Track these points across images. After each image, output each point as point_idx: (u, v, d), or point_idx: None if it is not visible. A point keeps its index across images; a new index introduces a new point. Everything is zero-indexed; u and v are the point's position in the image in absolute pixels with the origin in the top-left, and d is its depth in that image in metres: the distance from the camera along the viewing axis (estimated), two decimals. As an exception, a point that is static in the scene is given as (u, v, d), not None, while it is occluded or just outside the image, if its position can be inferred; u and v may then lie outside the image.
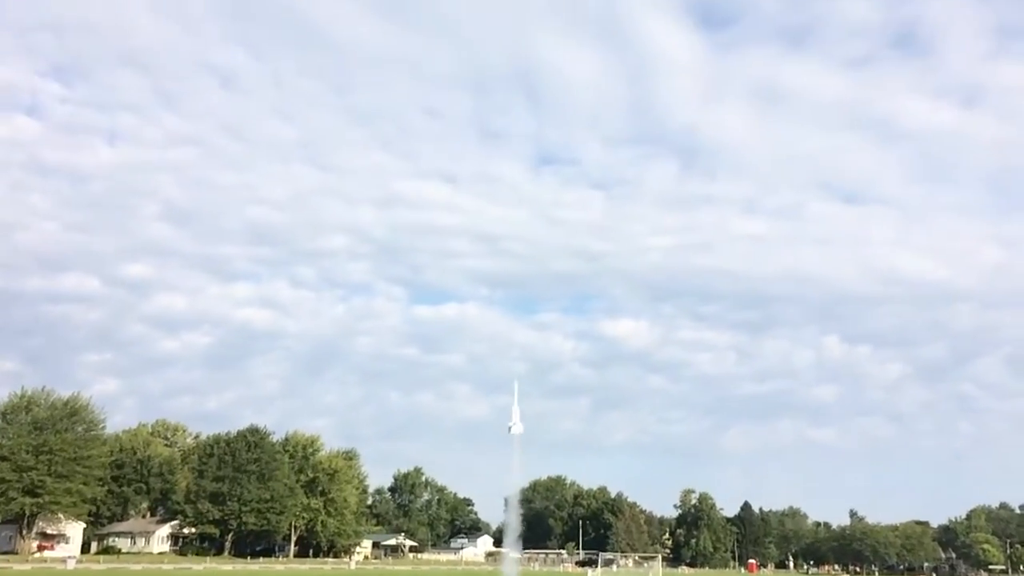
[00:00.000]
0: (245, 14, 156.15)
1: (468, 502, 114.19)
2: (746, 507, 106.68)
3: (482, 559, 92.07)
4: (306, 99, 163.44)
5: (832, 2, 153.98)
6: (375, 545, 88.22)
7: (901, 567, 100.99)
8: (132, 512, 71.87)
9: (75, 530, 59.80)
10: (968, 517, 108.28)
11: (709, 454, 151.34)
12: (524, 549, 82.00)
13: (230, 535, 64.82)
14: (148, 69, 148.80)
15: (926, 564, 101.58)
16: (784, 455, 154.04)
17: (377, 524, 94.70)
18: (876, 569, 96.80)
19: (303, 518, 69.57)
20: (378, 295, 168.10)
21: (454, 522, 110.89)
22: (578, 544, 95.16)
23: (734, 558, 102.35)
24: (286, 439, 74.07)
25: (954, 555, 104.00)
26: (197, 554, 60.81)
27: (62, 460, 53.92)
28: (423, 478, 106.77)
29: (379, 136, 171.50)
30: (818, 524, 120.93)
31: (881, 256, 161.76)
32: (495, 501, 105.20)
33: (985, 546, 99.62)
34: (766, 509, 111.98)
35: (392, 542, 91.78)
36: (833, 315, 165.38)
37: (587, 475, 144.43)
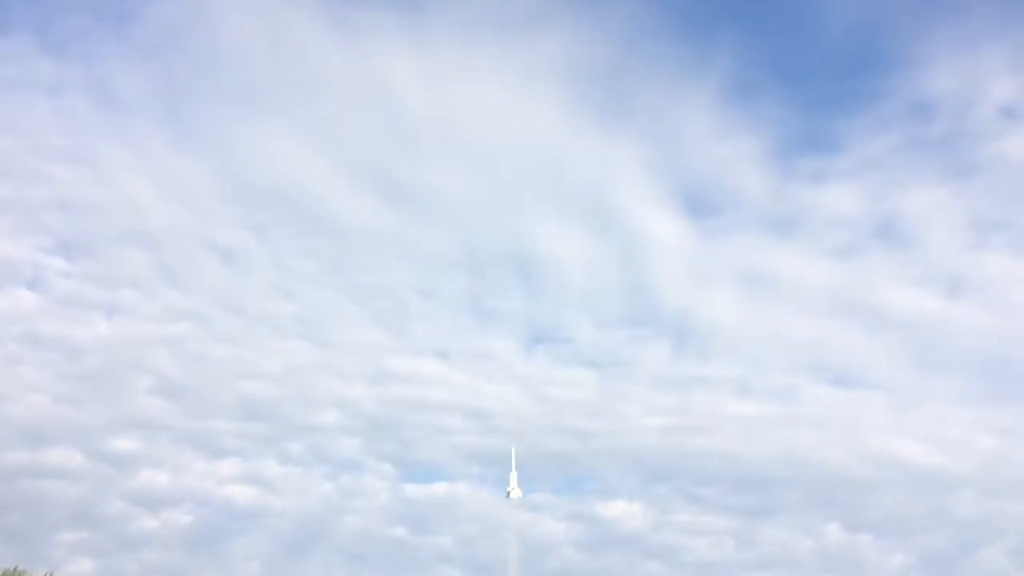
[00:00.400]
0: (250, 197, 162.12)
1: None
2: None
3: None
4: (305, 277, 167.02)
5: (814, 194, 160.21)
6: None
7: None
8: None
9: None
10: None
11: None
12: None
13: None
14: (152, 246, 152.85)
15: None
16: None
17: None
18: None
19: None
20: (367, 472, 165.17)
21: None
22: None
23: None
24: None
25: None
26: None
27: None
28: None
29: (374, 313, 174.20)
30: None
31: (876, 441, 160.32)
32: None
33: None
34: None
35: None
36: (832, 501, 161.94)
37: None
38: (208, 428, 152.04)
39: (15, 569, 54.31)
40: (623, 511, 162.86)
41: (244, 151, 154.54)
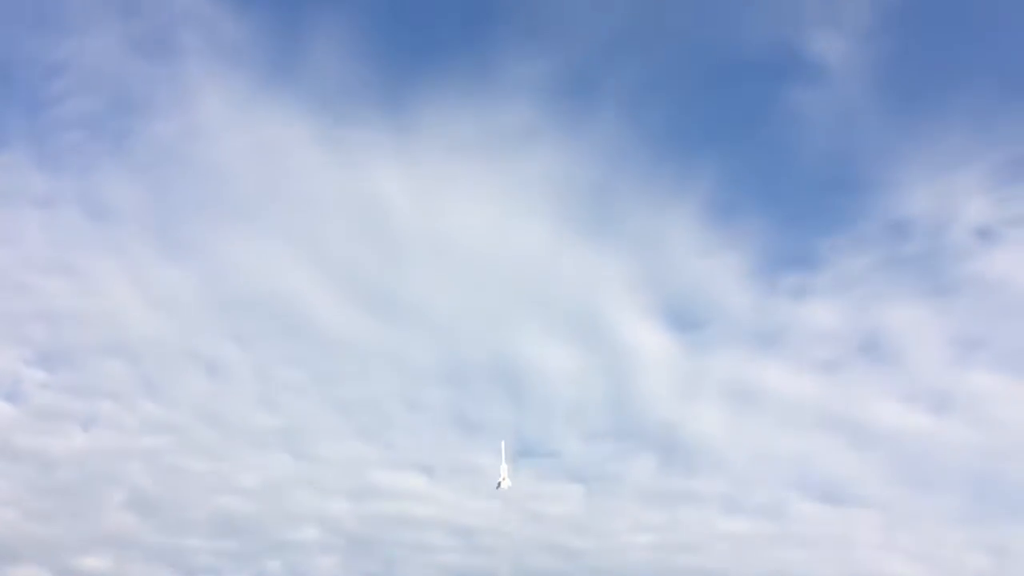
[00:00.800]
0: (236, 307, 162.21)
1: None
2: None
3: None
4: (288, 388, 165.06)
5: (797, 309, 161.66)
6: None
7: None
8: None
9: None
10: None
11: None
12: None
13: None
14: (134, 357, 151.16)
15: None
16: None
17: None
18: None
19: None
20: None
21: None
22: None
23: None
24: None
25: None
26: None
27: None
28: None
29: (357, 425, 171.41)
30: None
31: (867, 560, 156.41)
32: None
33: None
34: None
35: None
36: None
37: None
38: (182, 545, 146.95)
39: None
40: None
41: (231, 262, 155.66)
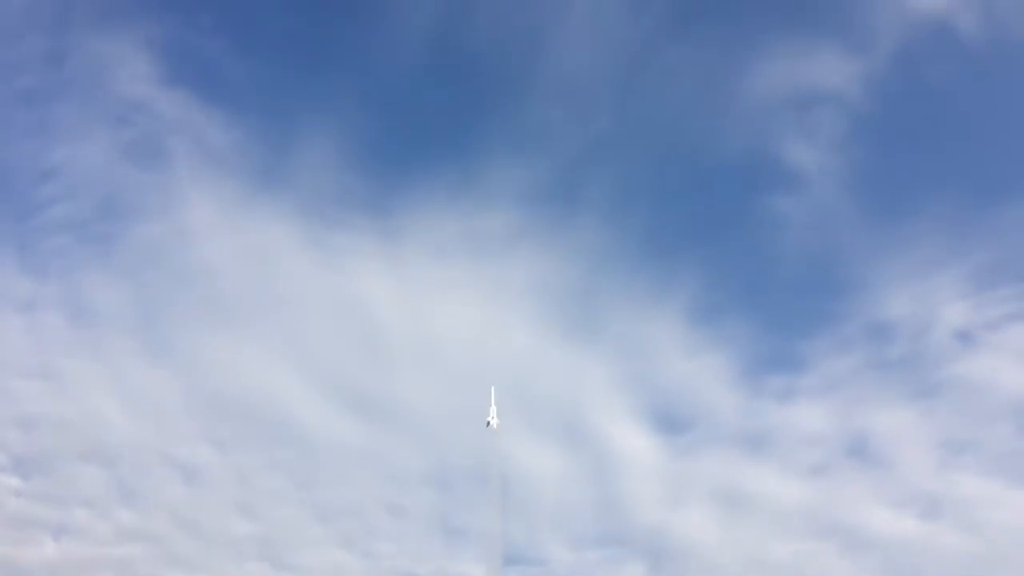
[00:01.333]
0: (217, 411, 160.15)
1: None
2: None
3: None
4: (268, 494, 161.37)
5: (784, 412, 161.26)
6: None
7: None
8: None
9: None
10: None
11: None
12: None
13: None
14: (111, 463, 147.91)
15: None
16: None
17: None
18: None
19: None
20: None
21: None
22: None
23: None
24: None
25: None
26: None
27: None
28: None
29: (338, 532, 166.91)
30: None
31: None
32: None
33: None
34: None
35: None
36: None
37: None
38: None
39: None
40: None
41: (214, 366, 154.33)
